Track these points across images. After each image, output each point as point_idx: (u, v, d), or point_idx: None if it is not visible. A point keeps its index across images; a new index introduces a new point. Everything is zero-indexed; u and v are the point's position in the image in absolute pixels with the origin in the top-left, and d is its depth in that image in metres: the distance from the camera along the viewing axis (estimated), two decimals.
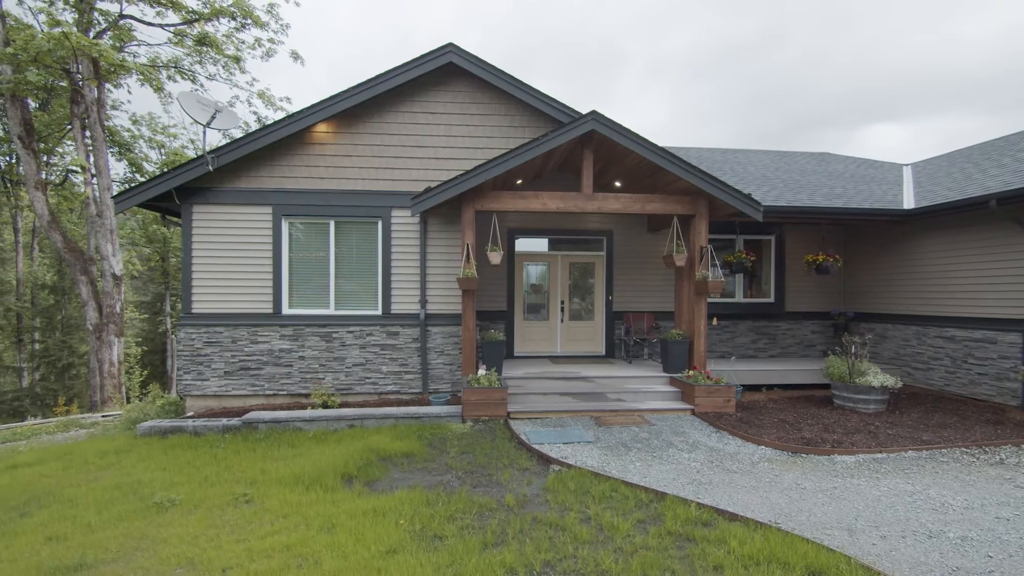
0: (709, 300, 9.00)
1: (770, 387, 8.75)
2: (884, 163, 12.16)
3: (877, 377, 7.07)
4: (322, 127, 8.15)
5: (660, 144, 7.24)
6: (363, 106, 8.13)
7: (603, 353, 9.62)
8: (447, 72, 8.25)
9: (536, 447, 5.61)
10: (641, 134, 7.14)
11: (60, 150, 18.39)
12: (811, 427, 6.34)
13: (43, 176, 14.54)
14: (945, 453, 5.43)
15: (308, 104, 7.91)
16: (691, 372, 7.52)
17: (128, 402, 14.81)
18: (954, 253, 8.05)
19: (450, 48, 7.97)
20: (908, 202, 8.83)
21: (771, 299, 10.05)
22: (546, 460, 5.30)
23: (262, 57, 16.39)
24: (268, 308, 8.07)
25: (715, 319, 9.52)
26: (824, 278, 10.01)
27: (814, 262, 9.11)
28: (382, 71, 7.93)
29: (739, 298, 10.00)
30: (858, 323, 9.78)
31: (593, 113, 7.06)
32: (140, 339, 24.87)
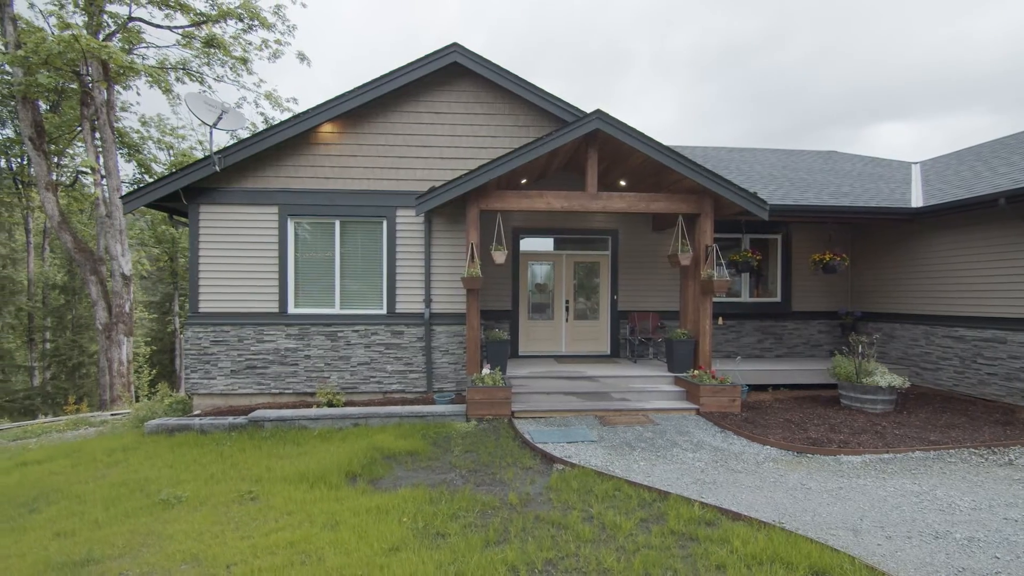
0: (715, 299, 8.97)
1: (776, 387, 8.69)
2: (892, 161, 12.05)
3: (884, 377, 7.01)
4: (328, 127, 8.19)
5: (665, 143, 7.22)
6: (368, 106, 8.17)
7: (608, 353, 9.59)
8: (452, 72, 8.27)
9: (540, 446, 5.61)
10: (646, 133, 7.13)
11: (70, 151, 18.60)
12: (817, 427, 6.30)
13: (53, 177, 14.71)
14: (953, 453, 5.37)
15: (314, 104, 7.95)
16: (696, 372, 7.49)
17: (137, 401, 14.95)
18: (963, 252, 7.96)
19: (454, 48, 7.99)
20: (916, 200, 8.75)
21: (777, 298, 9.99)
22: (550, 459, 5.29)
23: (269, 58, 16.49)
24: (274, 307, 8.12)
25: (721, 319, 9.48)
26: (831, 277, 9.93)
27: (821, 261, 9.05)
28: (387, 71, 7.97)
29: (745, 297, 9.94)
30: (865, 323, 9.70)
31: (597, 112, 7.05)
32: (149, 339, 25.09)
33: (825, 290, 10.08)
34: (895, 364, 9.03)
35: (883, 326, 9.36)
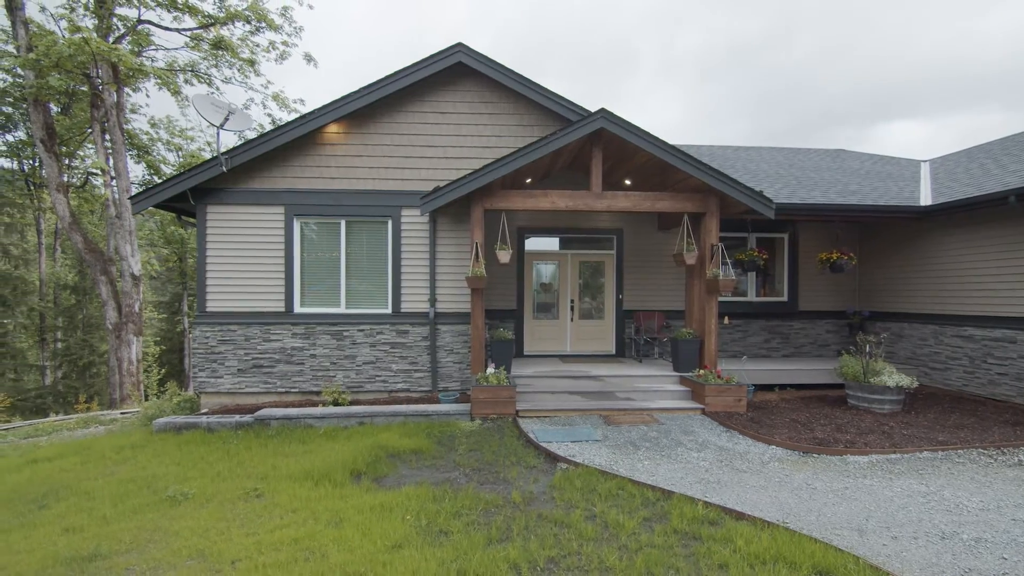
0: (721, 299, 8.93)
1: (783, 387, 8.64)
2: (901, 159, 11.95)
3: (892, 377, 6.95)
4: (333, 128, 8.23)
5: (670, 142, 7.19)
6: (374, 106, 8.20)
7: (613, 352, 9.58)
8: (456, 72, 8.29)
9: (544, 445, 5.62)
10: (651, 132, 7.11)
11: (81, 153, 18.82)
12: (824, 427, 6.25)
13: (64, 179, 14.89)
14: (961, 454, 5.32)
15: (320, 105, 7.99)
16: (701, 371, 7.46)
17: (146, 399, 15.11)
18: (972, 250, 7.88)
19: (459, 48, 8.01)
20: (925, 199, 8.66)
21: (784, 298, 9.93)
22: (553, 458, 5.30)
23: (276, 60, 16.60)
24: (281, 307, 8.18)
25: (727, 318, 9.43)
26: (839, 277, 9.86)
27: (828, 260, 8.97)
28: (392, 71, 7.99)
29: (752, 297, 9.89)
30: (873, 322, 9.62)
31: (602, 111, 7.04)
32: (159, 338, 25.33)
33: (833, 289, 10.01)
34: (903, 364, 8.96)
35: (891, 325, 9.27)
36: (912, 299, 8.93)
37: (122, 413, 10.71)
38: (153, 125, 18.88)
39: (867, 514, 3.89)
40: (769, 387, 8.58)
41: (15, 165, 20.10)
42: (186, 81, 16.67)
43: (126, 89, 15.13)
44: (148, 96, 23.20)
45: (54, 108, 15.79)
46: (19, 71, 14.29)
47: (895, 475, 4.74)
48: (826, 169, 10.87)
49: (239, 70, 16.61)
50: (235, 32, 15.84)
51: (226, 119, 8.20)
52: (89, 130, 16.15)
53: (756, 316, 9.76)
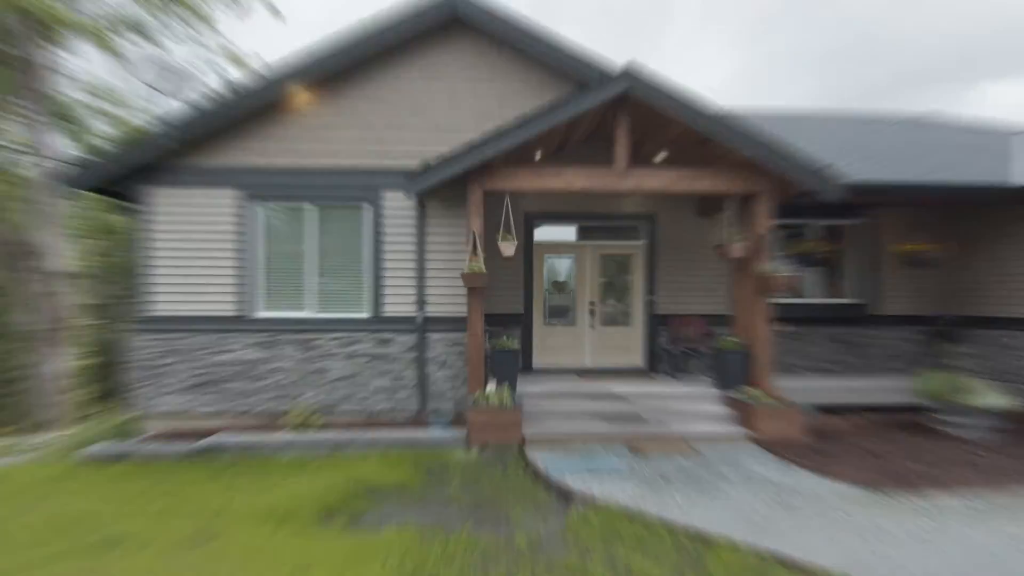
0: (775, 301, 8.89)
1: (851, 408, 8.59)
2: (997, 129, 11.84)
3: (985, 396, 6.90)
4: (299, 93, 8.28)
5: (714, 106, 7.17)
6: (348, 67, 8.25)
7: (642, 366, 9.58)
8: (450, 25, 8.33)
9: (556, 478, 5.63)
10: (689, 95, 7.09)
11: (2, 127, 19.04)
12: (899, 457, 6.23)
13: None
14: None
15: (282, 65, 8.03)
16: (750, 389, 7.45)
17: (77, 421, 15.26)
18: None
19: None
20: None
21: (853, 299, 9.86)
22: (567, 494, 5.32)
23: (237, 16, 16.71)
24: (237, 311, 8.25)
25: (782, 324, 9.38)
26: (920, 274, 9.76)
27: (909, 254, 8.92)
28: (371, 24, 8.02)
29: (813, 298, 9.84)
30: (964, 329, 9.52)
31: (627, 69, 7.04)
32: (94, 348, 25.59)
33: (913, 289, 9.91)
34: (997, 380, 8.85)
35: (981, 333, 9.17)
36: (1014, 301, 8.84)
37: (47, 438, 10.84)
38: (93, 94, 19.05)
39: (950, 563, 3.87)
40: (833, 409, 8.52)
41: None
42: (133, 44, 16.80)
43: (59, 52, 15.29)
44: (89, 62, 23.38)
45: None
46: None
47: (985, 516, 4.71)
48: (906, 141, 10.80)
49: (193, 28, 16.73)
50: None
51: (176, 86, 8.31)
52: (11, 100, 16.35)
53: (818, 322, 9.70)
